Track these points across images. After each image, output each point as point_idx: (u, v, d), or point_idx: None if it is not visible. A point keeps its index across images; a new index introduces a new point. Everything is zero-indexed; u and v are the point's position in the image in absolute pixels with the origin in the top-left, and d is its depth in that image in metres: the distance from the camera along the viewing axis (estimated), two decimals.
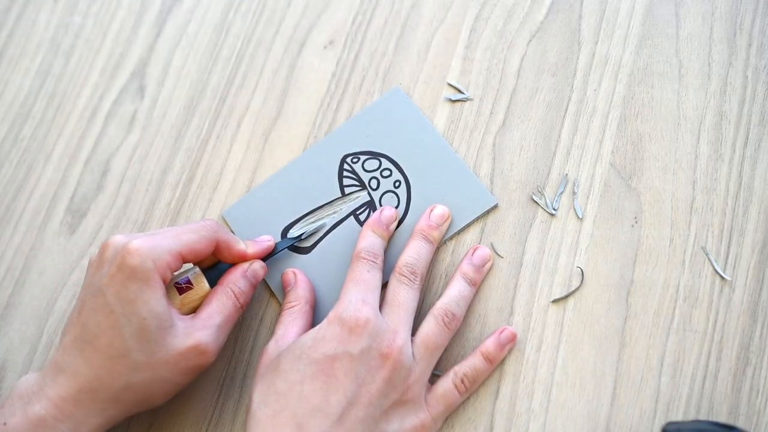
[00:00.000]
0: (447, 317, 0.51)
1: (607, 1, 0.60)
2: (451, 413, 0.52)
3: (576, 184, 0.56)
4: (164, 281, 0.48)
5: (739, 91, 0.57)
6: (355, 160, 0.58)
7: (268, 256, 0.55)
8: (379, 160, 0.58)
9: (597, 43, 0.59)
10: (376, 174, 0.58)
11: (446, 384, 0.51)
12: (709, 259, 0.54)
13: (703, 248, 0.54)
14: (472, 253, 0.54)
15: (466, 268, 0.54)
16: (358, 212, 0.57)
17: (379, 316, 0.50)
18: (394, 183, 0.57)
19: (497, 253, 0.55)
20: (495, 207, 0.56)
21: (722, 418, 0.50)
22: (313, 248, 0.57)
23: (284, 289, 0.55)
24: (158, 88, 0.63)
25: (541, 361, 0.53)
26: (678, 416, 0.51)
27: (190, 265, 0.53)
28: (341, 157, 0.59)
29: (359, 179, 0.58)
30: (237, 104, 0.62)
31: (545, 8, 0.61)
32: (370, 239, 0.54)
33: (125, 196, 0.61)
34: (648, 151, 0.56)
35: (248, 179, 0.60)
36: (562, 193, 0.56)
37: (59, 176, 0.62)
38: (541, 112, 0.58)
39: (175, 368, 0.48)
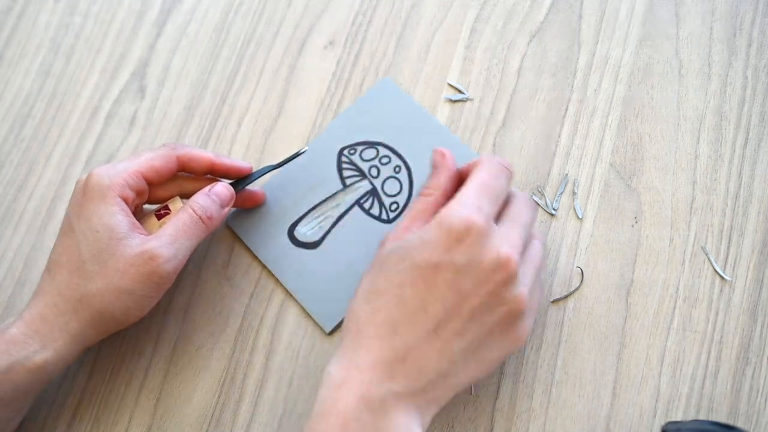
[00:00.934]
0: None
1: (607, 1, 0.60)
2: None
3: (576, 184, 0.56)
4: (125, 199, 0.50)
5: (739, 91, 0.57)
6: (352, 151, 0.59)
7: (243, 182, 0.55)
8: (376, 149, 0.58)
9: (597, 43, 0.59)
10: (375, 162, 0.58)
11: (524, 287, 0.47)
12: (709, 259, 0.54)
13: (703, 248, 0.54)
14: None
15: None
16: (362, 201, 0.57)
17: (492, 225, 0.46)
18: (394, 168, 0.58)
19: None
20: None
21: (722, 418, 0.50)
22: (322, 242, 0.57)
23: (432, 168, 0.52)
24: (158, 88, 0.63)
25: (541, 361, 0.53)
26: (678, 416, 0.51)
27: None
28: (338, 150, 0.59)
29: (359, 169, 0.58)
30: (237, 104, 0.62)
31: (545, 8, 0.61)
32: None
33: None
34: (648, 151, 0.56)
35: None
36: (562, 193, 0.56)
37: (60, 176, 0.62)
38: (541, 112, 0.58)
39: (126, 275, 0.49)
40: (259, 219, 0.58)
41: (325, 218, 0.57)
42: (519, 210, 0.48)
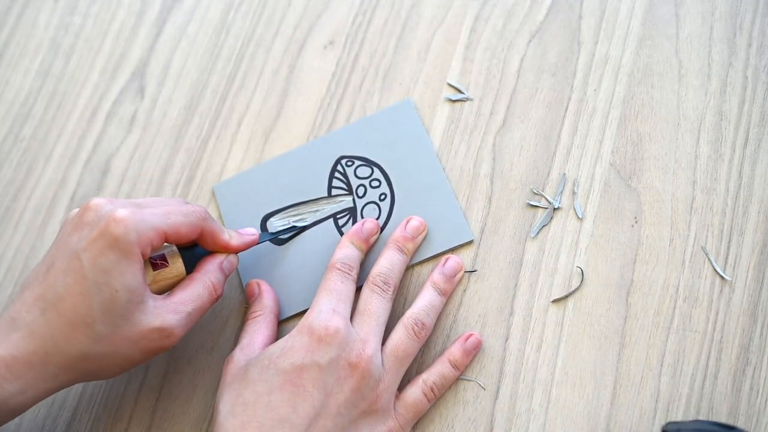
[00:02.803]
0: (417, 326, 0.51)
1: (607, 1, 0.60)
2: (421, 418, 0.52)
3: (576, 184, 0.56)
4: (143, 257, 0.46)
5: (738, 91, 0.57)
6: (349, 163, 0.58)
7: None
8: (372, 169, 0.58)
9: (597, 43, 0.59)
10: (365, 182, 0.58)
11: (415, 392, 0.51)
12: (709, 259, 0.54)
13: (703, 248, 0.54)
14: (444, 263, 0.54)
15: (437, 277, 0.54)
16: (338, 216, 0.57)
17: (349, 325, 0.49)
18: (380, 195, 0.57)
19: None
20: (470, 242, 0.56)
21: (722, 418, 0.50)
22: (288, 241, 0.57)
23: (248, 299, 0.55)
24: (158, 88, 0.63)
25: (541, 361, 0.53)
26: (678, 416, 0.51)
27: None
28: (337, 157, 0.59)
29: (348, 184, 0.58)
30: (237, 104, 0.62)
31: (545, 8, 0.61)
32: (347, 250, 0.53)
33: (125, 196, 0.61)
34: (648, 151, 0.56)
35: None
36: (561, 192, 0.56)
37: (59, 176, 0.62)
38: (541, 112, 0.58)
39: (135, 346, 0.46)
40: (242, 199, 0.58)
41: (300, 219, 0.57)
42: (365, 301, 0.51)
